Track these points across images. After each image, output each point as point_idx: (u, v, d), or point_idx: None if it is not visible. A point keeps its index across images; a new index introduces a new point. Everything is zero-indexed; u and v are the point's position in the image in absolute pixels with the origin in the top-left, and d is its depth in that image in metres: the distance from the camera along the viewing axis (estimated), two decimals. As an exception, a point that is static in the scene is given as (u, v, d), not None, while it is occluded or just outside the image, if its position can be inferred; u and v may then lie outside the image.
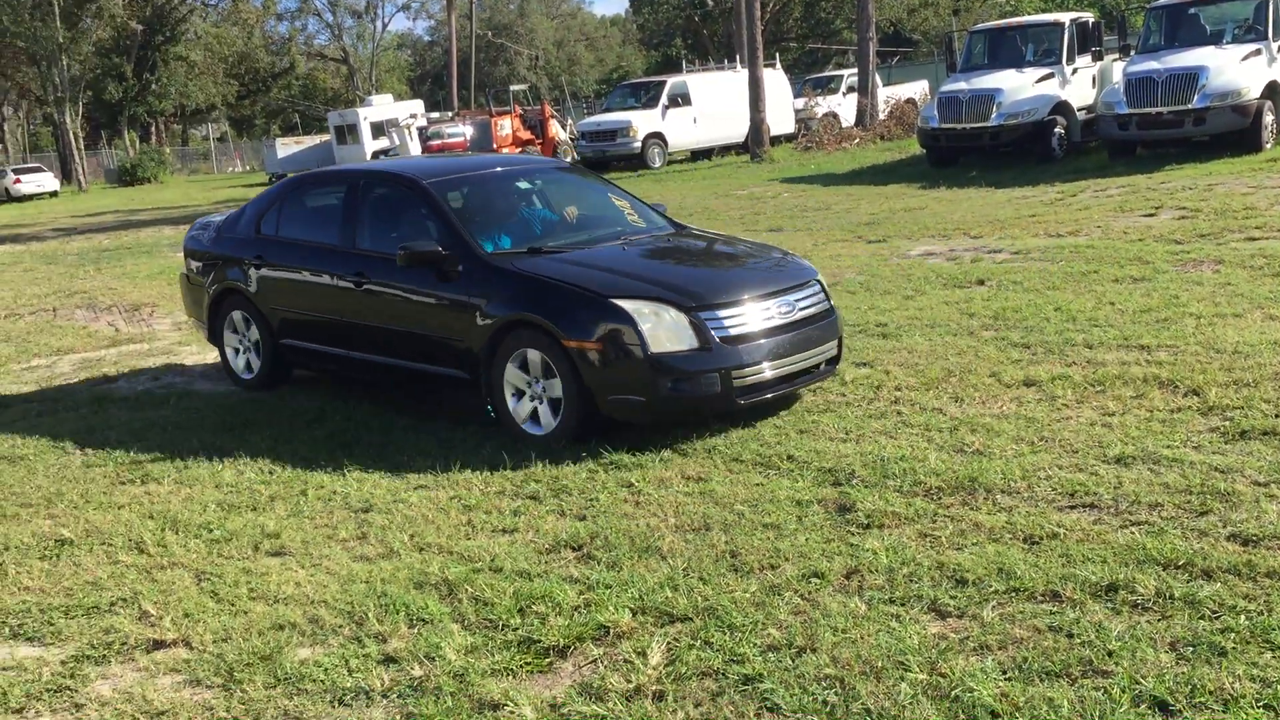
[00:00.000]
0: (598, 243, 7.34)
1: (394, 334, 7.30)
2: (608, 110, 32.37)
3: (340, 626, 4.33)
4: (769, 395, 6.43)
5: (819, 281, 7.03)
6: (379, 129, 48.88)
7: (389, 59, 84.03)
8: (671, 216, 8.15)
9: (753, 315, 6.42)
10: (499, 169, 8.38)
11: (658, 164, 29.76)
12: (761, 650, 3.84)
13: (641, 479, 5.69)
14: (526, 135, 36.19)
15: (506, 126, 35.57)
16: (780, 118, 30.99)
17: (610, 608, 4.24)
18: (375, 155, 47.76)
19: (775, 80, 31.53)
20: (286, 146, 55.06)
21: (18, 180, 48.41)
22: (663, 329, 6.20)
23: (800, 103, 33.41)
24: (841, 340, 7.03)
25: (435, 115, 52.08)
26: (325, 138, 53.95)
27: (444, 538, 5.16)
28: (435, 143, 44.20)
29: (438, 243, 6.95)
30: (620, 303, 6.26)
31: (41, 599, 4.79)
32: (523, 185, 8.14)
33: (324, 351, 7.94)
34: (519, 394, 6.62)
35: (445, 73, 67.75)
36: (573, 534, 5.05)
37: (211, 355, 9.38)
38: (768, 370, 6.35)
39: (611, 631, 4.09)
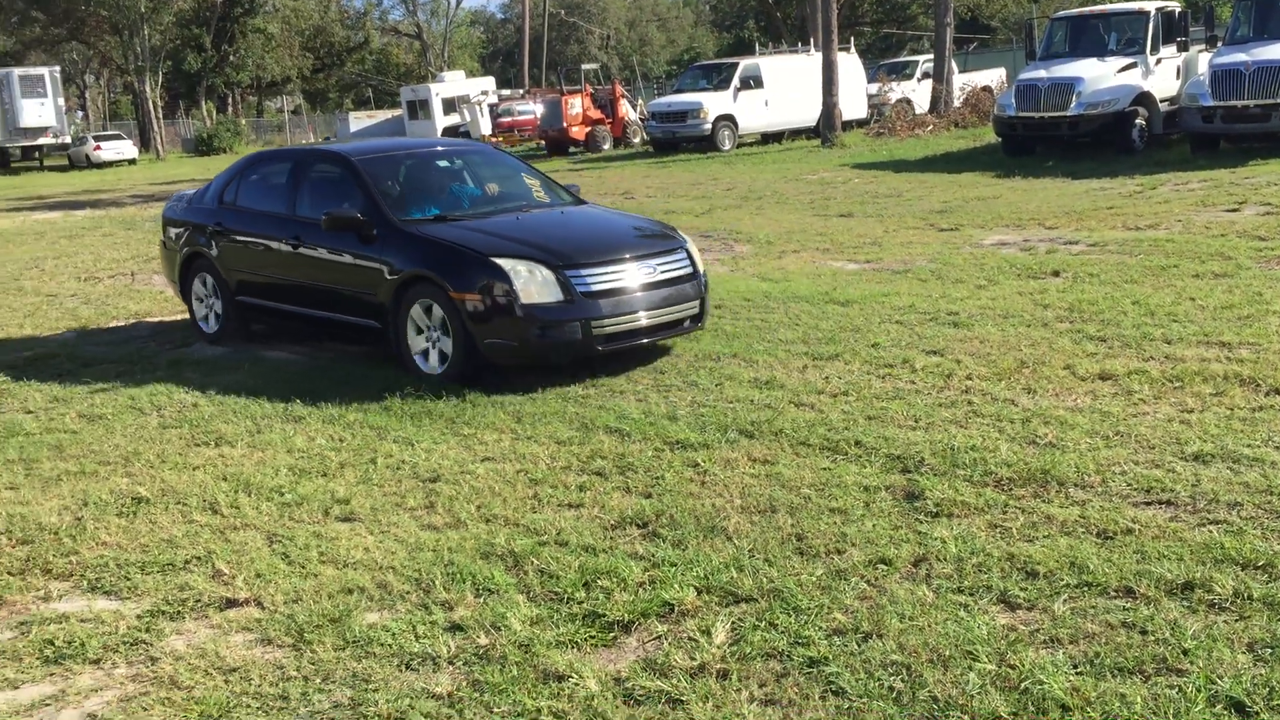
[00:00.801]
0: (499, 213, 8.41)
1: (323, 290, 8.35)
2: (678, 91, 32.24)
3: (408, 593, 4.38)
4: (627, 345, 7.48)
5: (686, 250, 8.03)
6: (450, 105, 49.26)
7: (462, 35, 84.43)
8: (582, 196, 9.23)
9: (613, 275, 7.44)
10: (423, 150, 9.63)
11: (727, 146, 29.62)
12: (827, 634, 3.82)
13: (708, 459, 5.68)
14: (597, 115, 36.24)
15: (577, 105, 35.63)
16: (853, 103, 30.70)
17: (675, 585, 4.24)
18: (446, 131, 48.13)
19: (849, 64, 31.20)
20: (359, 120, 55.75)
21: (98, 147, 49.48)
22: (533, 284, 7.22)
23: (874, 88, 33.07)
24: (704, 301, 8.02)
25: (506, 93, 52.38)
26: (397, 112, 54.51)
27: (510, 510, 5.20)
28: (505, 120, 44.44)
29: (359, 211, 7.92)
30: (498, 260, 7.29)
31: (119, 554, 4.90)
32: (443, 164, 9.34)
33: (271, 307, 8.98)
34: (421, 341, 7.67)
35: (517, 50, 67.93)
36: (638, 511, 5.06)
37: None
38: (625, 322, 7.39)
39: (676, 609, 4.09)
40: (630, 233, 8.28)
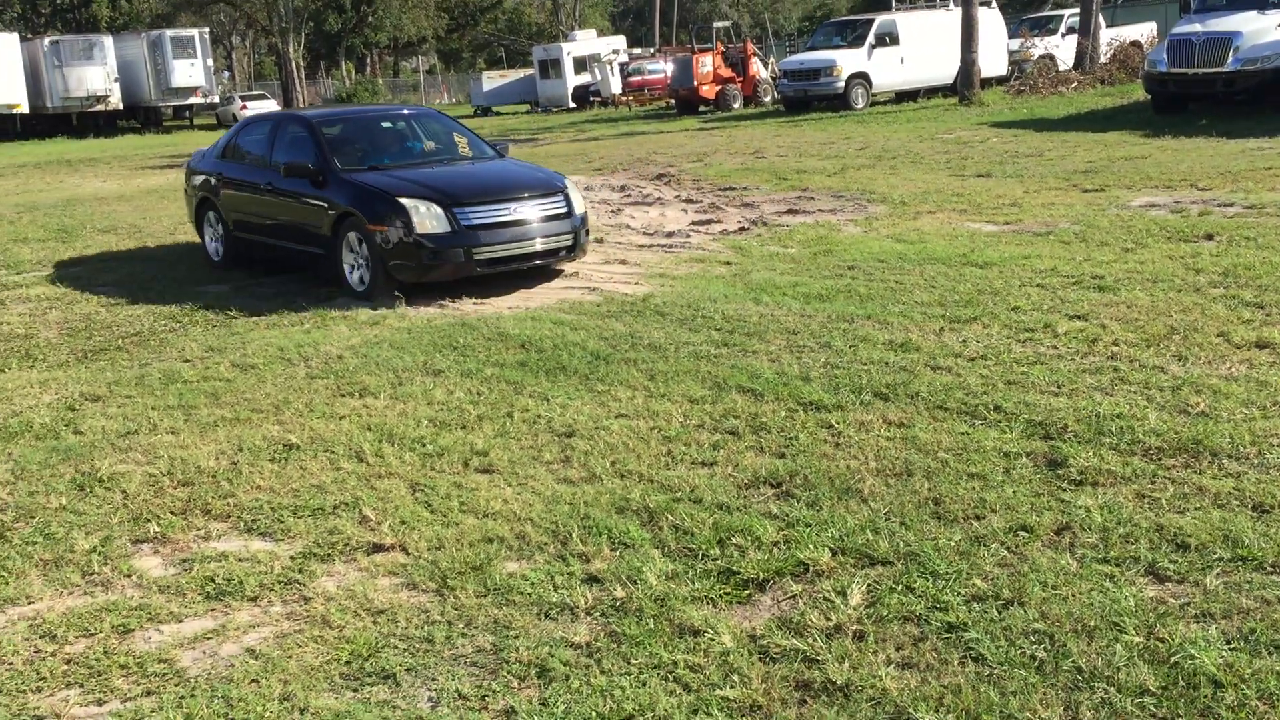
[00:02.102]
0: (422, 165, 10.39)
1: (287, 226, 10.41)
2: (811, 49, 31.72)
3: (545, 544, 4.48)
4: (504, 268, 9.48)
5: (565, 194, 9.88)
6: (581, 64, 49.35)
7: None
8: (504, 152, 11.29)
9: (492, 212, 9.37)
10: (373, 114, 12.13)
11: (860, 105, 29.06)
12: (966, 600, 3.78)
13: (841, 420, 5.64)
14: (728, 73, 35.92)
15: (708, 64, 35.36)
16: (992, 59, 29.79)
17: (810, 546, 4.25)
18: (576, 90, 48.31)
19: (989, 19, 30.23)
20: (492, 80, 56.29)
21: (244, 106, 51.11)
22: (427, 218, 9.12)
23: (1015, 44, 32.01)
24: (578, 234, 9.85)
25: (637, 51, 52.31)
26: (528, 71, 54.86)
27: (644, 466, 5.25)
28: (636, 79, 44.42)
29: (310, 162, 9.94)
30: (401, 200, 9.19)
31: (272, 498, 5.12)
32: (386, 125, 11.53)
33: (256, 240, 11.02)
34: (350, 264, 9.61)
35: (648, 9, 67.63)
36: (771, 471, 5.06)
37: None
38: (500, 250, 9.35)
39: (811, 569, 4.10)
40: (517, 180, 10.10)
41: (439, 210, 9.16)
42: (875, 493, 4.73)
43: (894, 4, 33.95)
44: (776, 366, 6.66)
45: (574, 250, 9.87)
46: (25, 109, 42.75)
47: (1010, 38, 32.12)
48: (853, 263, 9.48)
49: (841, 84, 28.85)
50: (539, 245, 9.53)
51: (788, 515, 4.57)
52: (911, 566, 4.04)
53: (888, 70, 29.66)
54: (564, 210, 9.75)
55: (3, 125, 42.55)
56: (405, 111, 12.23)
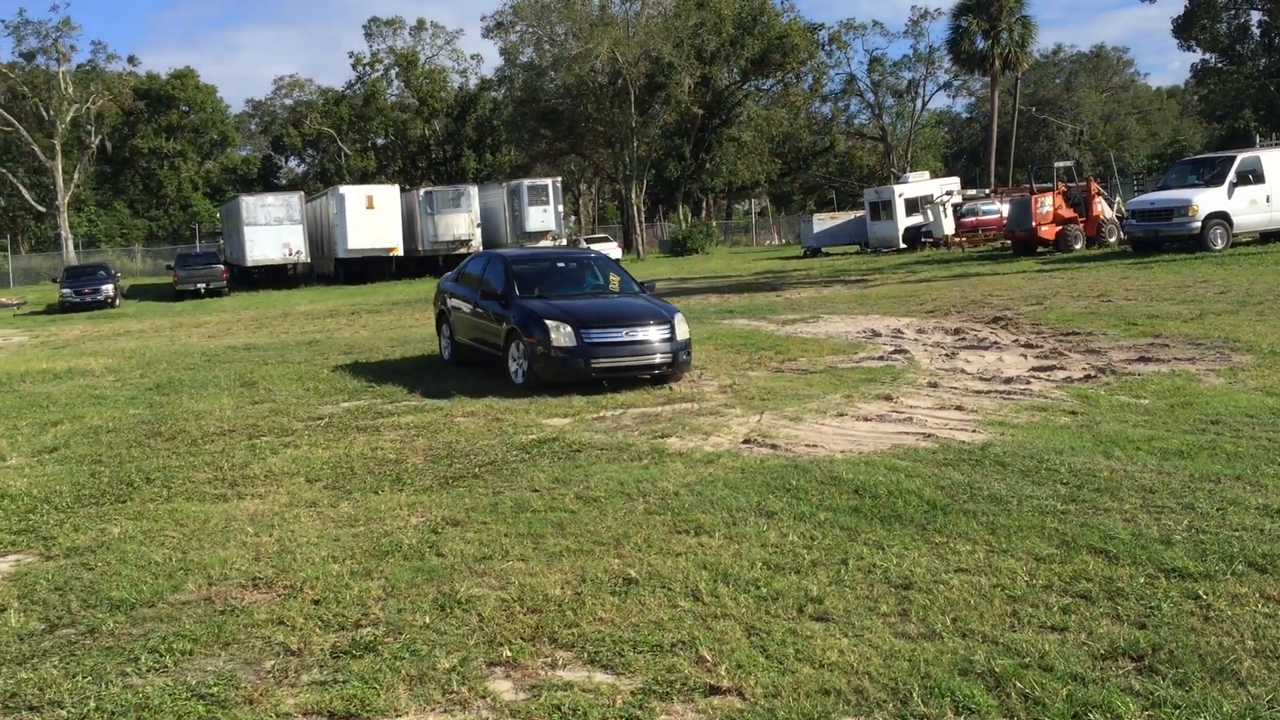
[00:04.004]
0: (574, 297, 13.90)
1: (483, 333, 14.43)
2: (1163, 188, 30.17)
3: (884, 701, 4.35)
4: (612, 375, 12.50)
5: (670, 324, 12.82)
6: (912, 205, 49.35)
7: (926, 136, 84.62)
8: (648, 289, 14.51)
9: (609, 333, 12.58)
10: (552, 255, 16.88)
11: (1219, 246, 27.24)
12: (1372, 811, 3.33)
13: (1210, 591, 5.19)
14: (1069, 213, 34.79)
15: (1047, 204, 34.40)
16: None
17: (1179, 730, 3.90)
18: (908, 231, 48.23)
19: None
20: (822, 221, 57.26)
21: (588, 248, 54.50)
22: (560, 335, 12.51)
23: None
24: (676, 355, 12.75)
25: (971, 192, 51.69)
26: (859, 213, 55.36)
27: (988, 626, 5.03)
28: (969, 219, 43.83)
29: (500, 289, 13.95)
30: (546, 320, 12.69)
31: (613, 630, 5.28)
32: (560, 264, 15.47)
33: (465, 344, 15.20)
34: (514, 364, 13.23)
35: (982, 149, 66.93)
36: (1131, 642, 4.71)
37: (751, 421, 9.92)
38: (611, 362, 12.48)
39: (1181, 756, 3.75)
40: (635, 311, 13.19)
41: (569, 329, 12.49)
42: (1254, 676, 4.30)
43: (1258, 140, 31.82)
44: (1132, 527, 6.24)
45: (673, 367, 12.77)
46: (400, 251, 47.54)
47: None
48: (1216, 416, 8.80)
49: (1198, 224, 27.23)
50: (642, 360, 12.57)
51: (1152, 694, 4.22)
52: (1302, 765, 3.62)
53: (1251, 210, 27.74)
54: (668, 336, 12.69)
55: (380, 266, 47.47)
56: (578, 254, 16.42)
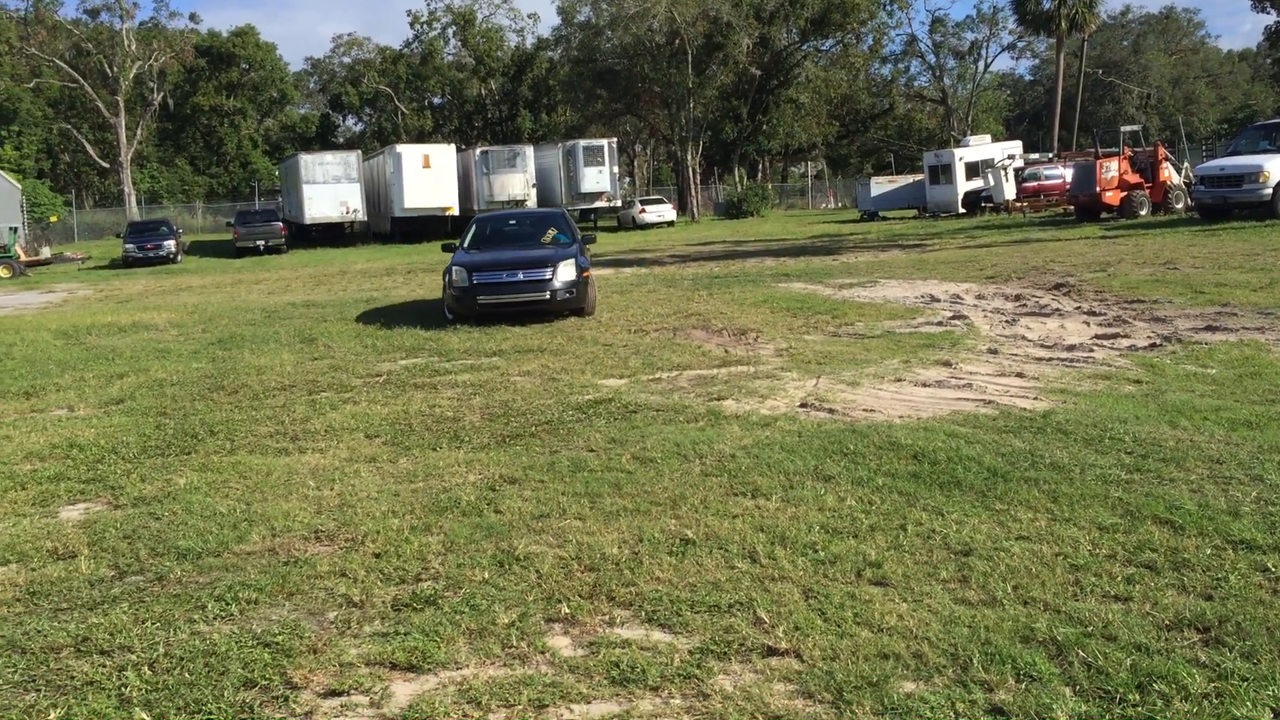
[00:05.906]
0: (503, 248, 17.04)
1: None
2: (1234, 153, 29.45)
3: (944, 666, 4.33)
4: (495, 310, 15.55)
5: (554, 267, 15.60)
6: (973, 169, 48.64)
7: (987, 99, 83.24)
8: (580, 243, 17.25)
9: (491, 275, 15.61)
10: (505, 214, 22.08)
11: (1289, 213, 26.56)
12: None
13: (1278, 565, 5.09)
14: (1135, 178, 34.08)
15: (1113, 169, 33.71)
16: None
17: (1247, 703, 3.85)
18: (967, 195, 47.55)
19: None
20: (879, 185, 56.59)
21: (643, 210, 54.46)
22: (458, 276, 15.77)
23: None
24: (555, 293, 15.52)
25: (1034, 156, 50.82)
26: (917, 177, 54.66)
27: (1050, 594, 4.98)
28: (1031, 184, 43.10)
29: (458, 242, 17.87)
30: (453, 267, 16.08)
31: (671, 590, 5.30)
32: (513, 223, 19.00)
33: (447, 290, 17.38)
34: (445, 301, 16.94)
35: (1045, 112, 65.70)
36: (1197, 613, 4.64)
37: (808, 384, 9.86)
38: (491, 298, 15.50)
39: (1248, 730, 3.70)
40: (530, 259, 16.02)
41: (465, 273, 15.70)
42: (1324, 651, 4.21)
43: (1333, 104, 30.86)
44: (1199, 498, 6.13)
45: (552, 303, 15.55)
46: (456, 211, 47.72)
47: None
48: (1287, 388, 8.62)
49: (1269, 191, 26.57)
50: (522, 298, 15.44)
51: (1218, 665, 4.16)
52: (1374, 742, 3.55)
53: (1325, 176, 26.99)
54: (546, 277, 15.52)
55: (436, 225, 47.73)
56: (535, 214, 20.41)
